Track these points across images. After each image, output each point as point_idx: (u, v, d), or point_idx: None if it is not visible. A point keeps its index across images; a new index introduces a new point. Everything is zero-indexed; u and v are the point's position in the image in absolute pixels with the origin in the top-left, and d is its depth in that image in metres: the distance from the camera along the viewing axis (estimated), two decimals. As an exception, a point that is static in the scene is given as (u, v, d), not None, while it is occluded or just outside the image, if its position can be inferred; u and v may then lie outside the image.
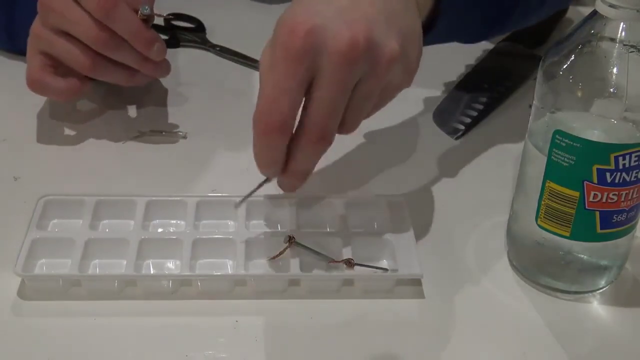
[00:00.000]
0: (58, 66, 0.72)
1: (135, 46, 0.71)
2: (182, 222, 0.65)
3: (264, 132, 0.55)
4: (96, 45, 0.70)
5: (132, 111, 0.80)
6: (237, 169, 0.73)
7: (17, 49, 0.85)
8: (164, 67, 0.75)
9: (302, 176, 0.59)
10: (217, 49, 0.89)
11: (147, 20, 0.71)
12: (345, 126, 0.58)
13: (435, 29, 0.66)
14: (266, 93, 0.55)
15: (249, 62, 0.88)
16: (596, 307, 0.61)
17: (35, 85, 0.72)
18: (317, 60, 0.54)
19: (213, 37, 0.91)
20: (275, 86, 0.54)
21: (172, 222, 0.65)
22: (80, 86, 0.73)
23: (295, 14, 0.55)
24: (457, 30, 0.70)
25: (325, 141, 0.57)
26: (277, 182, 0.60)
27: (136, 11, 0.70)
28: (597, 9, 0.53)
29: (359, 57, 0.54)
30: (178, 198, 0.66)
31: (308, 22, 0.54)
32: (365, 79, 0.56)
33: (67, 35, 0.70)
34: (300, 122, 0.56)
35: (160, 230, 0.65)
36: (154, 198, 0.65)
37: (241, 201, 0.63)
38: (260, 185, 0.61)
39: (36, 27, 0.72)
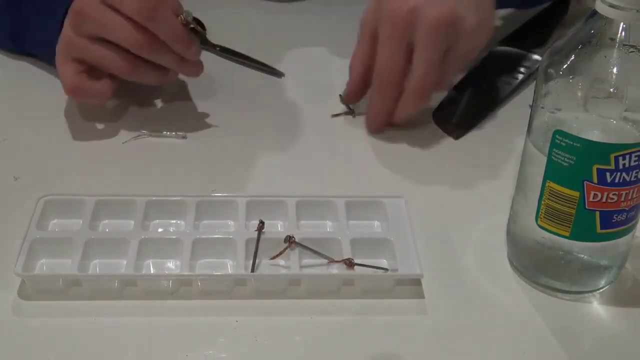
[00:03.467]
0: (91, 71, 0.73)
1: (175, 48, 0.71)
2: (182, 222, 0.65)
3: (381, 87, 0.74)
4: (137, 48, 0.71)
5: (132, 111, 0.80)
6: (237, 169, 0.73)
7: (20, 50, 0.85)
8: (199, 66, 0.76)
9: (399, 122, 0.77)
10: (217, 49, 0.89)
11: (185, 25, 0.71)
12: (441, 83, 0.76)
13: None
14: (380, 61, 0.73)
15: (249, 62, 0.88)
16: (596, 307, 0.61)
17: (75, 92, 0.73)
18: (415, 33, 0.71)
19: (213, 37, 0.91)
20: (387, 56, 0.73)
21: (172, 222, 0.65)
22: (113, 86, 0.74)
23: None
24: None
25: (423, 94, 0.74)
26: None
27: (176, 15, 0.71)
28: (597, 9, 0.53)
29: (445, 28, 0.71)
30: (178, 198, 0.66)
31: (409, 3, 0.71)
32: (453, 46, 0.73)
33: (102, 41, 0.71)
34: (406, 83, 0.73)
35: (160, 230, 0.65)
36: (154, 198, 0.65)
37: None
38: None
39: (68, 35, 0.72)
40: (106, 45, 0.71)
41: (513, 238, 0.63)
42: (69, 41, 0.72)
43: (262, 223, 0.63)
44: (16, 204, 0.67)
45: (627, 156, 0.54)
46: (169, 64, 0.73)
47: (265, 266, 0.61)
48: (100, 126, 0.77)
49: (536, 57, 0.88)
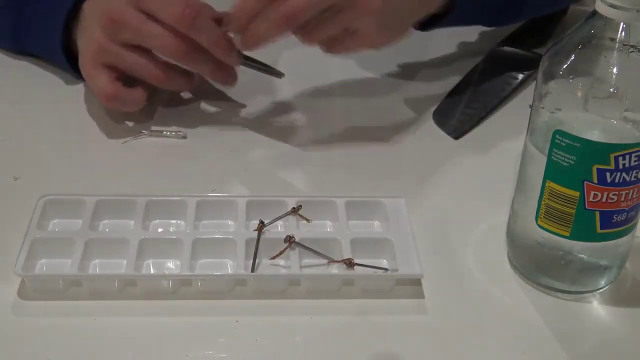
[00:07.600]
0: (123, 78, 0.73)
1: (216, 54, 0.72)
2: (182, 222, 0.65)
3: None
4: (177, 56, 0.71)
5: (132, 111, 0.80)
6: (237, 169, 0.73)
7: (21, 50, 0.85)
8: (234, 74, 0.76)
9: (253, 40, 0.69)
10: (217, 49, 0.89)
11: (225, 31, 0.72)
12: (305, 32, 0.69)
13: (455, 10, 0.72)
14: None
15: (249, 62, 0.87)
16: (596, 307, 0.61)
17: (112, 99, 0.73)
18: None
19: (213, 37, 0.91)
20: None
21: (172, 222, 0.65)
22: (146, 93, 0.74)
23: None
24: (475, 13, 0.76)
25: (289, 20, 0.67)
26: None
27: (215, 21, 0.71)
28: (597, 9, 0.53)
29: None
30: (178, 198, 0.66)
31: None
32: (342, 7, 0.67)
33: (136, 48, 0.71)
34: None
35: (160, 230, 0.65)
36: (154, 198, 0.65)
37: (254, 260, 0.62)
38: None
39: (102, 41, 0.72)
40: (140, 52, 0.71)
41: (513, 238, 0.63)
42: (102, 47, 0.72)
43: (262, 223, 0.63)
44: (16, 204, 0.67)
45: (627, 156, 0.54)
46: (206, 71, 0.73)
47: (265, 266, 0.61)
48: (100, 126, 0.77)
49: (536, 57, 0.88)
